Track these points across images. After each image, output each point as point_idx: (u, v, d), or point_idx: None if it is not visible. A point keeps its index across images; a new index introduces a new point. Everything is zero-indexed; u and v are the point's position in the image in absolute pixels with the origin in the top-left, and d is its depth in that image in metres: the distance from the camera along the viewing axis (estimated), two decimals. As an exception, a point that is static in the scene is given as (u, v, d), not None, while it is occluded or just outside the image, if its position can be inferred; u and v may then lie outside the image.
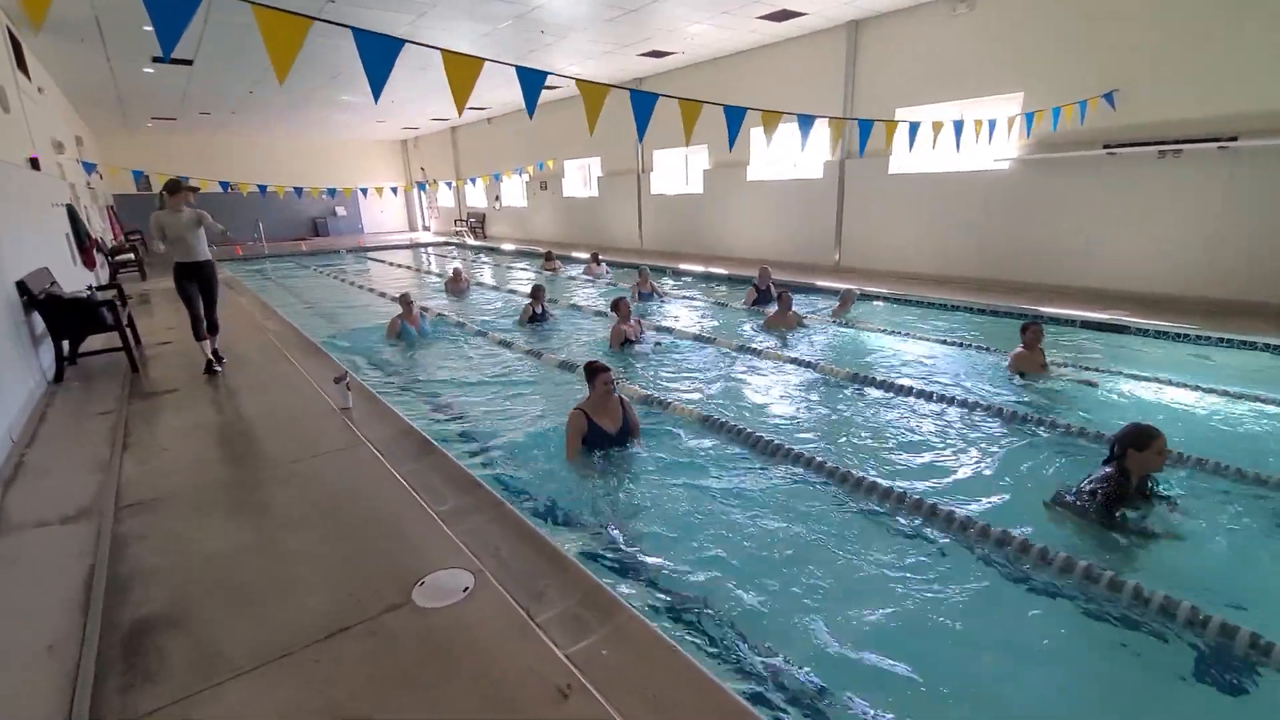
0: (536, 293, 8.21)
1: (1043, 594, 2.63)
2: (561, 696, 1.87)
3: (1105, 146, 7.68)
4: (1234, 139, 6.79)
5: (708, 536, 3.09)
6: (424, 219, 27.67)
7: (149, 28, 9.23)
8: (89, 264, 8.92)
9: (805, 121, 5.21)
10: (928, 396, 4.97)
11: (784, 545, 3.03)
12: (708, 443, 4.21)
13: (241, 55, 10.93)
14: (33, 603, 2.47)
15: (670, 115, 4.67)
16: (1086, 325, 6.98)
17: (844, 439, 4.35)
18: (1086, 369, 5.53)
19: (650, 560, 2.90)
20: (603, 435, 3.90)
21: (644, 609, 2.43)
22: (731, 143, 4.53)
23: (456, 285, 11.02)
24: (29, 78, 8.32)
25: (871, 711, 2.07)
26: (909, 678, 2.22)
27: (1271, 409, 4.50)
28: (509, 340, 7.18)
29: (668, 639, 2.07)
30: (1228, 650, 2.24)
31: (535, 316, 8.02)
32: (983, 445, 4.15)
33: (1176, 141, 7.18)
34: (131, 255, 12.58)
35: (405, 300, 7.61)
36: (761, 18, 9.65)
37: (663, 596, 2.62)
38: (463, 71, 3.15)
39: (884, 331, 7.21)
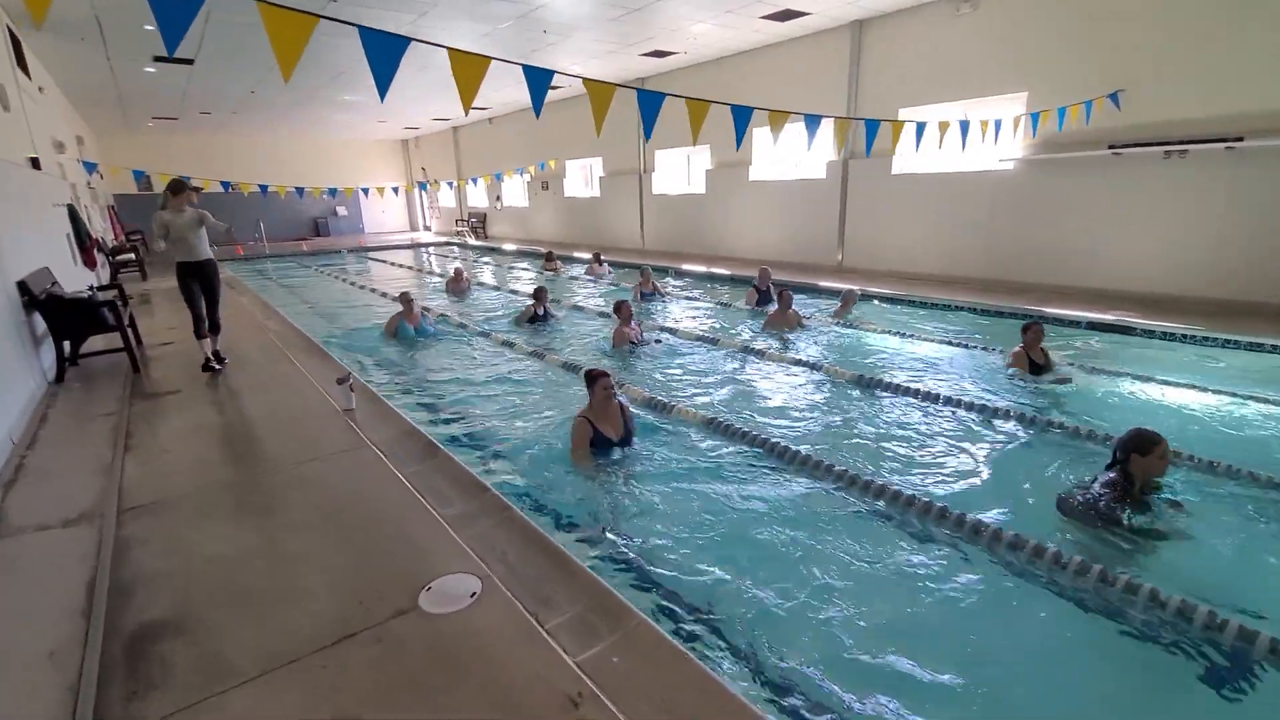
0: (539, 294, 8.18)
1: (1053, 597, 2.61)
2: (572, 705, 1.84)
3: (1110, 147, 7.65)
4: (1240, 139, 6.75)
5: (714, 540, 3.06)
6: (425, 219, 27.65)
7: (150, 27, 9.23)
8: (90, 264, 8.89)
9: (812, 121, 5.18)
10: (932, 398, 4.93)
11: (791, 548, 3.00)
12: (712, 445, 4.18)
13: (243, 55, 10.90)
14: (34, 608, 2.44)
15: (673, 115, 4.63)
16: (1093, 326, 6.95)
17: (847, 440, 4.33)
18: (1090, 370, 5.50)
19: (657, 564, 2.87)
20: (605, 442, 3.89)
21: (653, 614, 2.40)
22: (739, 142, 4.50)
23: (457, 285, 10.99)
24: (29, 77, 8.29)
25: (884, 716, 2.04)
26: (919, 682, 2.19)
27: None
28: (512, 341, 7.15)
29: (679, 645, 2.05)
30: (1245, 655, 2.21)
31: (537, 318, 8.00)
32: (987, 446, 4.13)
33: (1182, 142, 7.15)
34: (132, 255, 12.55)
35: (405, 299, 7.59)
36: (765, 17, 9.62)
37: (671, 602, 2.59)
38: (469, 70, 3.12)
39: (885, 332, 7.18)
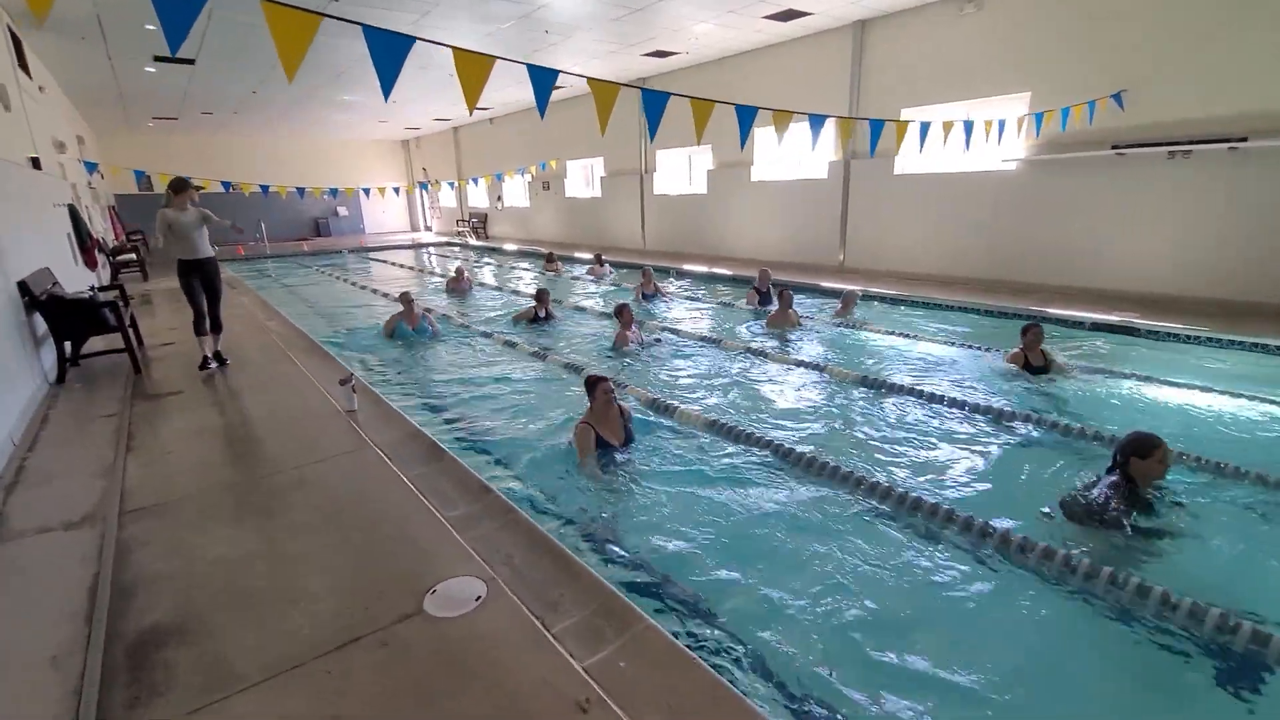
0: (541, 296, 8.16)
1: (1062, 600, 2.59)
2: (580, 711, 1.82)
3: (1114, 147, 7.63)
4: (1244, 140, 6.73)
5: (719, 542, 3.04)
6: (425, 219, 27.63)
7: (151, 26, 9.22)
8: (91, 264, 8.88)
9: (816, 121, 5.16)
10: (934, 399, 4.92)
11: (797, 550, 2.98)
12: (716, 446, 4.16)
13: (244, 55, 10.89)
14: (36, 611, 2.42)
15: (675, 115, 4.61)
16: (1097, 327, 6.93)
17: (850, 441, 4.31)
18: (1094, 371, 5.48)
19: (663, 567, 2.85)
20: (607, 448, 3.88)
21: (660, 618, 2.38)
22: (743, 142, 4.48)
23: (458, 285, 10.98)
24: (30, 76, 8.28)
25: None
26: (929, 687, 2.17)
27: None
28: (514, 341, 7.13)
29: (687, 650, 2.02)
30: (1259, 658, 2.19)
31: (539, 319, 7.98)
32: (989, 447, 4.12)
33: (1186, 142, 7.13)
34: (133, 255, 12.53)
35: (405, 300, 7.58)
36: (767, 17, 9.60)
37: (678, 605, 2.57)
38: (474, 69, 3.10)
39: (886, 333, 7.16)
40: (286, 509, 3.11)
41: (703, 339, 7.13)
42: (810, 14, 9.49)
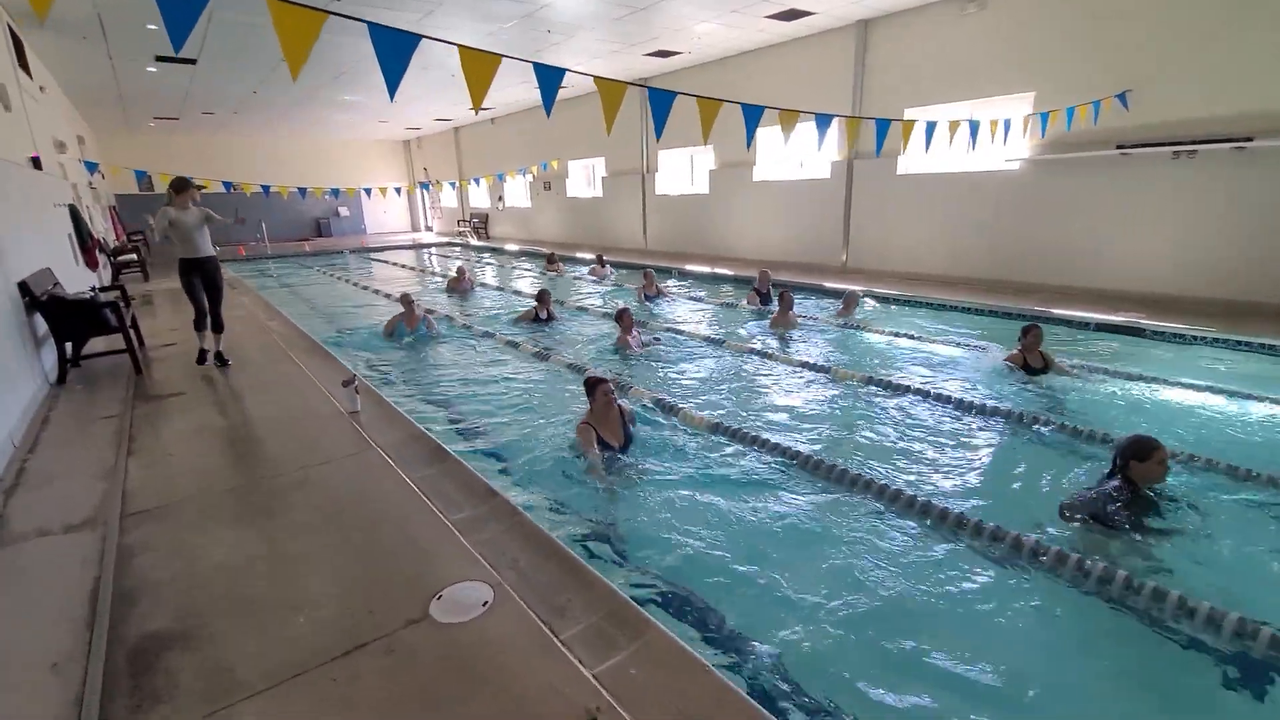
0: (542, 297, 8.14)
1: (1073, 604, 2.56)
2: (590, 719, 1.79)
3: (1119, 147, 7.60)
4: (1249, 139, 6.70)
5: (728, 545, 3.01)
6: (427, 219, 27.61)
7: (152, 26, 9.16)
8: (91, 264, 8.85)
9: (823, 121, 5.12)
10: (937, 399, 4.91)
11: (806, 554, 2.95)
12: (721, 449, 4.13)
13: (246, 55, 10.86)
14: (37, 617, 2.39)
15: (678, 115, 4.56)
16: (1102, 328, 6.89)
17: (854, 443, 4.28)
18: (1099, 372, 5.46)
19: (671, 571, 2.82)
20: (607, 449, 3.86)
21: (670, 623, 2.35)
22: (749, 142, 4.45)
23: (460, 285, 10.95)
24: (30, 76, 8.25)
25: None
26: (942, 694, 2.14)
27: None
28: (516, 342, 7.10)
29: (698, 657, 1.99)
30: (1276, 662, 2.16)
31: (540, 320, 7.95)
32: (995, 448, 4.10)
33: (1191, 142, 7.10)
34: (134, 256, 12.50)
35: (406, 300, 7.57)
36: (770, 17, 9.57)
37: (688, 610, 2.54)
38: (480, 67, 3.07)
39: (888, 333, 7.14)
40: (289, 511, 3.08)
41: (705, 340, 7.10)
42: (813, 13, 9.46)
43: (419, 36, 2.81)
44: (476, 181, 20.77)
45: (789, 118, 4.72)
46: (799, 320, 7.52)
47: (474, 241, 21.26)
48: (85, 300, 5.61)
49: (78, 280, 7.55)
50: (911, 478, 3.73)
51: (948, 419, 4.59)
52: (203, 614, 2.33)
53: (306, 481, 3.39)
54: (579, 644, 2.06)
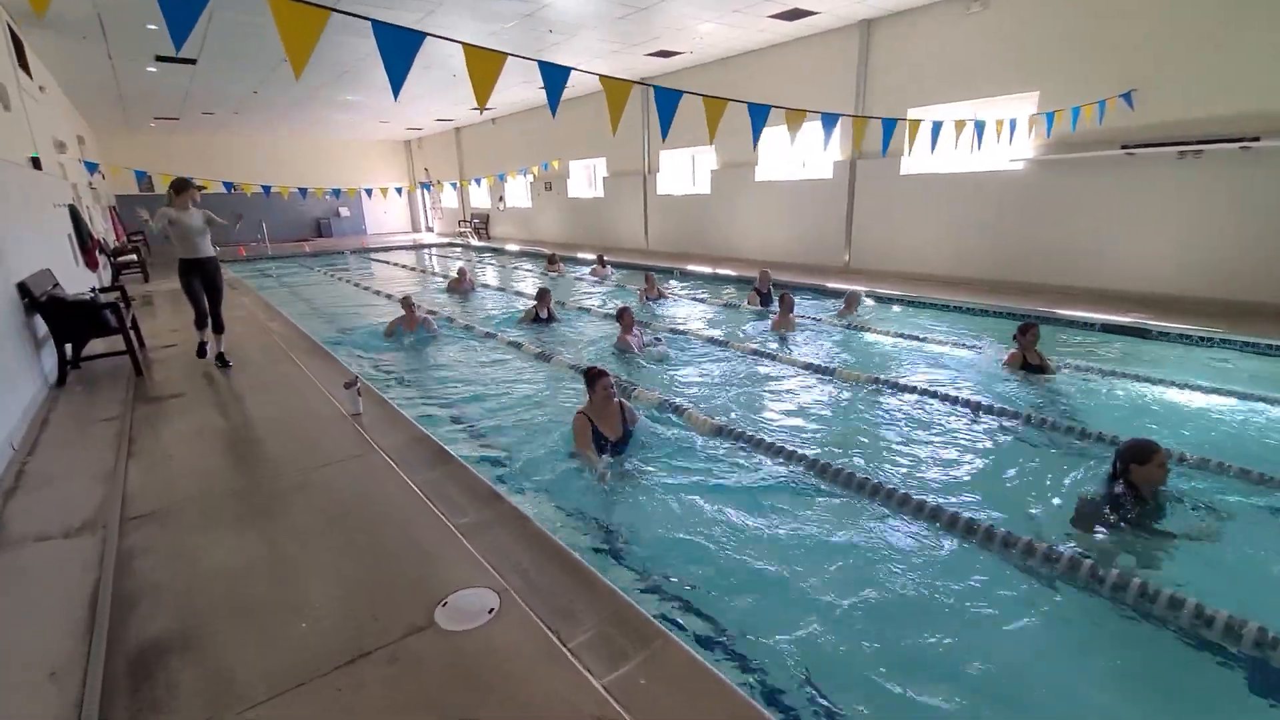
0: (542, 296, 8.12)
1: (1086, 610, 2.52)
2: (600, 731, 1.75)
3: (1124, 147, 7.56)
4: (1256, 139, 6.66)
5: (737, 551, 2.97)
6: (427, 220, 27.57)
7: (153, 26, 9.12)
8: (91, 265, 8.81)
9: (829, 120, 5.09)
10: (939, 401, 4.88)
11: (818, 559, 2.90)
12: (727, 451, 4.09)
13: (246, 55, 10.84)
14: (35, 623, 2.35)
15: (680, 115, 4.52)
16: (1108, 329, 6.85)
17: (860, 446, 4.23)
18: (1090, 370, 5.43)
19: (679, 577, 2.78)
20: (604, 441, 3.87)
21: (679, 631, 2.31)
22: (755, 142, 4.41)
23: (460, 286, 10.93)
24: (30, 76, 8.21)
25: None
26: (959, 704, 2.10)
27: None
28: (518, 342, 7.07)
29: (709, 666, 1.95)
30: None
31: (540, 319, 7.94)
32: (997, 449, 4.08)
33: (1197, 141, 7.06)
34: (134, 256, 12.47)
35: (406, 303, 7.55)
36: (772, 16, 9.54)
37: (698, 617, 2.50)
38: (484, 66, 3.03)
39: (888, 334, 7.12)
40: (291, 515, 3.05)
41: (707, 340, 7.07)
42: (816, 13, 9.42)
43: (423, 34, 2.78)
44: (477, 182, 20.73)
45: (795, 117, 4.69)
46: (798, 321, 7.48)
47: (475, 242, 21.23)
48: (85, 301, 5.58)
49: (78, 281, 7.52)
50: (920, 481, 3.69)
51: (950, 420, 4.56)
52: (203, 620, 2.29)
53: (308, 484, 3.35)
54: (587, 652, 2.03)
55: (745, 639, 2.38)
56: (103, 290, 7.61)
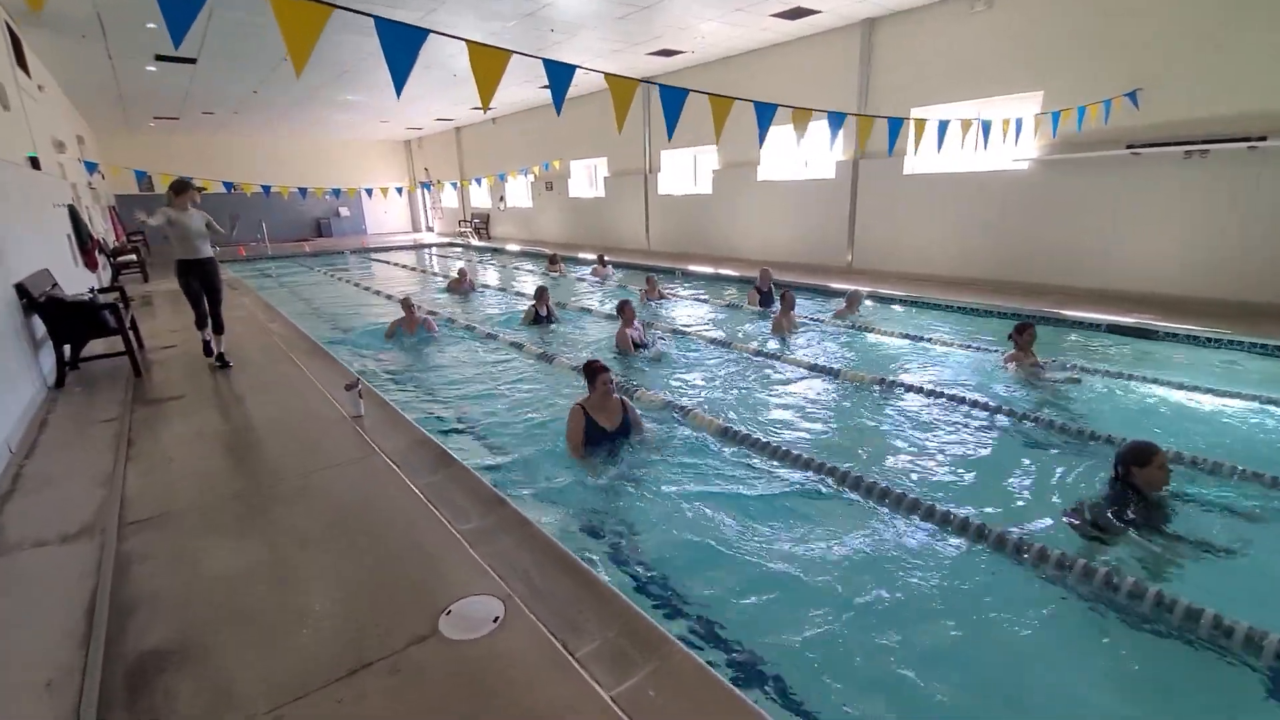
0: (540, 294, 8.09)
1: (1099, 618, 2.48)
2: (609, 745, 1.70)
3: (1129, 146, 7.51)
4: (1263, 139, 6.61)
5: (746, 556, 2.93)
6: (427, 220, 27.52)
7: (153, 25, 9.07)
8: (91, 265, 8.76)
9: (836, 120, 5.04)
10: (940, 401, 4.84)
11: (822, 562, 2.86)
12: (732, 453, 4.05)
13: (246, 54, 10.79)
14: (31, 632, 2.31)
15: (683, 114, 4.48)
16: (1113, 329, 6.81)
17: (866, 448, 4.19)
18: (1111, 374, 5.38)
19: (688, 584, 2.73)
20: (601, 432, 3.90)
21: (689, 641, 2.27)
22: (761, 141, 4.37)
23: (460, 286, 10.89)
24: (29, 75, 8.17)
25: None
26: (968, 707, 2.06)
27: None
28: (520, 343, 7.02)
29: (720, 678, 1.90)
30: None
31: (540, 318, 7.91)
32: (1004, 451, 4.04)
33: (1203, 141, 7.01)
34: (134, 256, 12.42)
35: (406, 304, 7.51)
36: (775, 15, 9.50)
37: (707, 626, 2.45)
38: (488, 64, 2.99)
39: (889, 334, 7.08)
40: (292, 520, 3.00)
41: (709, 341, 7.03)
42: (818, 12, 9.38)
43: (426, 31, 2.73)
44: (478, 181, 20.69)
45: (801, 116, 4.64)
46: (799, 321, 7.44)
47: (475, 242, 21.18)
48: (84, 302, 5.53)
49: (77, 281, 7.47)
50: (924, 483, 3.65)
51: (952, 420, 4.53)
52: (202, 628, 2.25)
53: (309, 488, 3.30)
54: (594, 662, 1.98)
55: (754, 646, 2.34)
56: (102, 290, 7.58)
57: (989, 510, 3.29)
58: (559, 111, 3.42)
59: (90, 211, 11.57)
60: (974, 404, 4.74)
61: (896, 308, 8.63)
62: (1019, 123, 7.13)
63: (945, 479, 3.73)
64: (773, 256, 12.32)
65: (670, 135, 3.86)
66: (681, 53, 11.70)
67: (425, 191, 26.02)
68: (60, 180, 8.68)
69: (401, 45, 2.69)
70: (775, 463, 3.88)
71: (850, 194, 10.88)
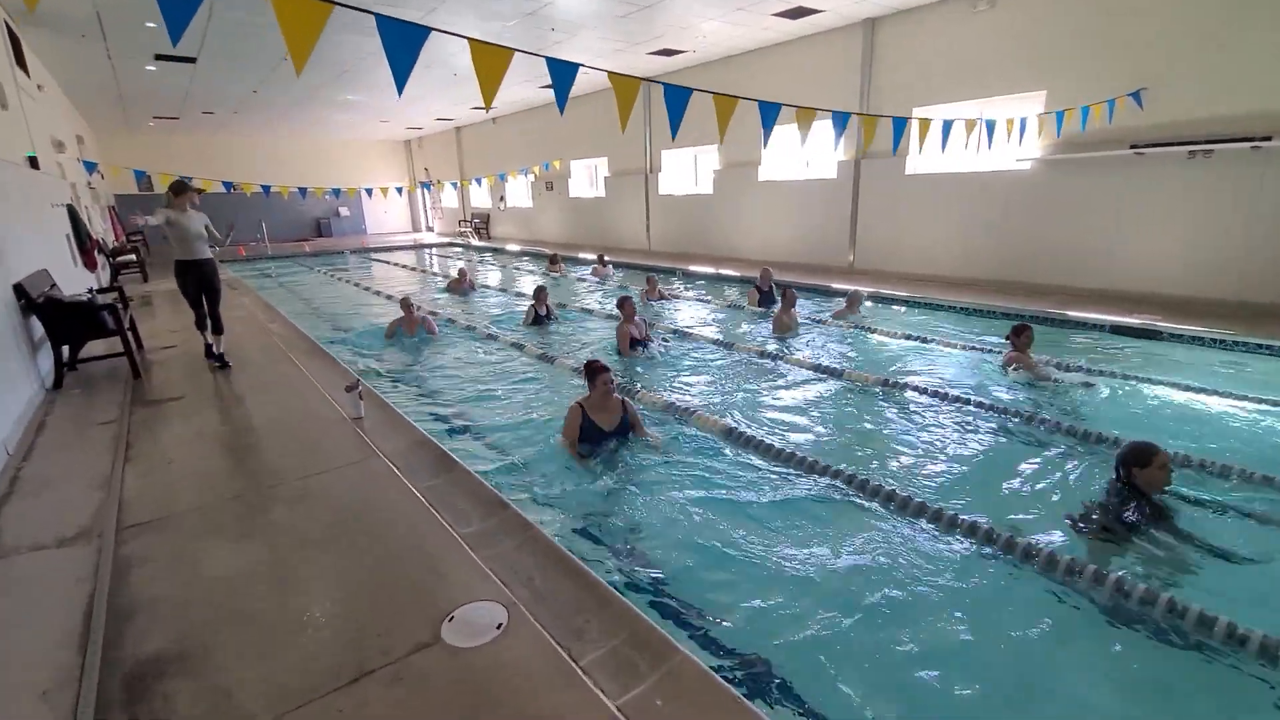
0: (539, 294, 8.06)
1: (1109, 623, 2.45)
2: (615, 755, 1.67)
3: (1133, 146, 7.48)
4: (1268, 139, 6.58)
5: (752, 559, 2.90)
6: (428, 220, 27.48)
7: (152, 24, 9.03)
8: (90, 265, 8.73)
9: (840, 119, 5.01)
10: (941, 402, 4.82)
11: (837, 568, 2.82)
12: (732, 455, 4.01)
13: (246, 54, 10.76)
14: (26, 639, 2.27)
15: (685, 114, 4.46)
16: (1117, 330, 6.77)
17: (871, 450, 4.16)
18: (1116, 375, 5.35)
19: (693, 588, 2.70)
20: (598, 432, 3.91)
21: (692, 644, 2.24)
22: (766, 140, 4.34)
23: (460, 286, 10.86)
24: (28, 75, 8.13)
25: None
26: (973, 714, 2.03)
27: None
28: (521, 344, 6.99)
29: (729, 687, 1.87)
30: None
31: (540, 318, 7.87)
32: (1006, 454, 4.01)
33: (1207, 141, 6.98)
34: (133, 256, 12.38)
35: (405, 304, 7.48)
36: (776, 15, 9.47)
37: (714, 632, 2.42)
38: (491, 62, 2.95)
39: (889, 334, 7.05)
40: (292, 523, 2.97)
41: (712, 341, 6.99)
42: (820, 11, 9.35)
43: (428, 29, 2.70)
44: (478, 181, 20.65)
45: (806, 115, 4.61)
46: (800, 321, 7.41)
47: (475, 242, 21.14)
48: (82, 303, 5.50)
49: (76, 281, 7.43)
50: (932, 486, 3.61)
51: (954, 421, 4.51)
52: (202, 634, 2.22)
53: (309, 492, 3.27)
54: (599, 671, 1.95)
55: (761, 652, 2.31)
56: (101, 291, 7.54)
57: (993, 513, 3.26)
58: (562, 110, 3.39)
59: (89, 211, 11.54)
60: (976, 405, 4.72)
61: (898, 308, 8.59)
62: (1023, 122, 7.09)
63: (948, 481, 3.69)
64: (774, 257, 12.29)
65: (674, 134, 3.83)
66: (682, 52, 11.67)
67: (425, 191, 25.99)
68: (59, 180, 8.64)
69: (403, 43, 2.65)
70: (779, 465, 3.84)
71: (852, 194, 10.85)
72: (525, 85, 14.22)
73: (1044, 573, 2.71)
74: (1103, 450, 3.92)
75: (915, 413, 4.72)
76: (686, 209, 14.42)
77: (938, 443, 4.21)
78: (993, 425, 4.44)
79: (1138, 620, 2.41)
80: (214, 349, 5.71)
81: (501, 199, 21.87)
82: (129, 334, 5.71)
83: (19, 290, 4.99)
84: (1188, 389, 4.95)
